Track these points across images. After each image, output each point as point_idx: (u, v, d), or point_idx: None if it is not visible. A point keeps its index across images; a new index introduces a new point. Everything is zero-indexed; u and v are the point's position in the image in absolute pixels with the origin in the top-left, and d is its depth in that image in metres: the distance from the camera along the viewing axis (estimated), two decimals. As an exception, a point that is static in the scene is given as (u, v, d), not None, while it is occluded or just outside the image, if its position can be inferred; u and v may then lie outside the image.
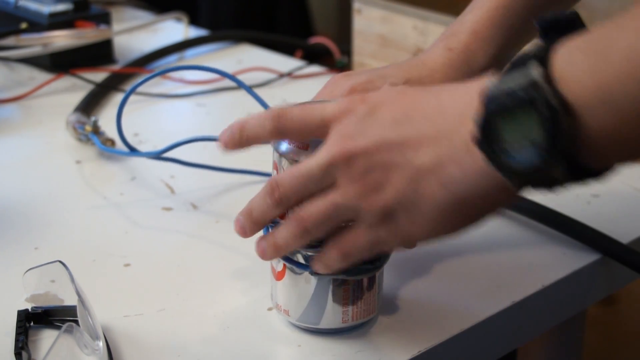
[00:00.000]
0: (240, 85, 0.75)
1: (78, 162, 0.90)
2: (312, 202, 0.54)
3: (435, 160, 0.50)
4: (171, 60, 1.21)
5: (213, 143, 0.80)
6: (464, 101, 0.50)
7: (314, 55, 1.26)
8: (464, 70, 0.66)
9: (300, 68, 1.16)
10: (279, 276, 0.61)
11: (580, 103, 0.44)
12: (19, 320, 0.61)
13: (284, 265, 0.60)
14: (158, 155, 0.81)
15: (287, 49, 1.28)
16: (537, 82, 0.45)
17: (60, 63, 1.12)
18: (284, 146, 0.57)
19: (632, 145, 0.45)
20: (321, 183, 0.54)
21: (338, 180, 0.53)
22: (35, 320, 0.62)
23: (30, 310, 0.62)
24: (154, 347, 0.61)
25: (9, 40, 1.10)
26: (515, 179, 0.47)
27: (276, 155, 0.58)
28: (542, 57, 0.46)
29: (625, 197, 0.83)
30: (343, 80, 0.65)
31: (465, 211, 0.51)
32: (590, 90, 0.44)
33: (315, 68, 1.18)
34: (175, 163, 0.84)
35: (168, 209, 0.80)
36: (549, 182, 0.47)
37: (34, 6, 1.15)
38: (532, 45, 0.48)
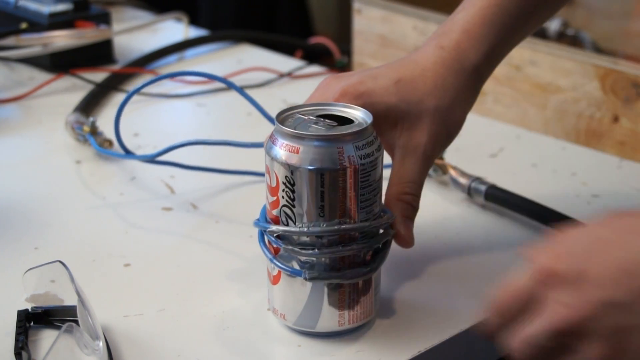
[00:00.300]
0: (235, 88, 0.75)
1: (78, 162, 0.90)
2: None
3: None
4: (171, 60, 1.21)
5: (218, 145, 0.81)
6: None
7: (314, 55, 1.26)
8: (456, 68, 0.65)
9: (300, 68, 1.16)
10: (274, 280, 0.61)
11: None
12: (19, 320, 0.61)
13: (279, 271, 0.60)
14: (152, 159, 0.81)
15: (287, 49, 1.28)
16: None
17: (60, 63, 1.12)
18: (275, 150, 0.57)
19: None
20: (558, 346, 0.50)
21: (574, 345, 0.49)
22: (35, 320, 0.62)
23: (30, 310, 0.62)
24: (154, 347, 0.61)
25: (9, 40, 1.10)
26: None
27: (268, 159, 0.58)
28: None
29: (625, 197, 0.83)
30: (334, 82, 0.65)
31: None
32: None
33: (315, 68, 1.18)
34: (172, 166, 0.84)
35: (168, 209, 0.80)
36: None
37: (34, 6, 1.15)
38: None
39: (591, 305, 0.48)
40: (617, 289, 0.47)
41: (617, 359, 0.48)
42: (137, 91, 0.76)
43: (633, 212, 0.50)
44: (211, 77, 0.79)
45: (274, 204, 0.59)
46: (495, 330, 0.52)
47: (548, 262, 0.49)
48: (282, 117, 0.59)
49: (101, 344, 0.56)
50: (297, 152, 0.56)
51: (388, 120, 0.63)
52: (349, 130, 0.57)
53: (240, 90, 0.77)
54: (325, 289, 0.59)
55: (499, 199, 0.78)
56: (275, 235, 0.59)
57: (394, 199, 0.63)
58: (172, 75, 0.79)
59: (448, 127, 0.65)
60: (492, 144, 0.95)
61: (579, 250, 0.49)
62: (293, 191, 0.57)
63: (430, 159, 0.64)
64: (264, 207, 0.61)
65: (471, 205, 0.81)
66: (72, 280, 0.59)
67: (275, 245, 0.60)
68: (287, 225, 0.58)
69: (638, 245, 0.48)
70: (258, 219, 0.61)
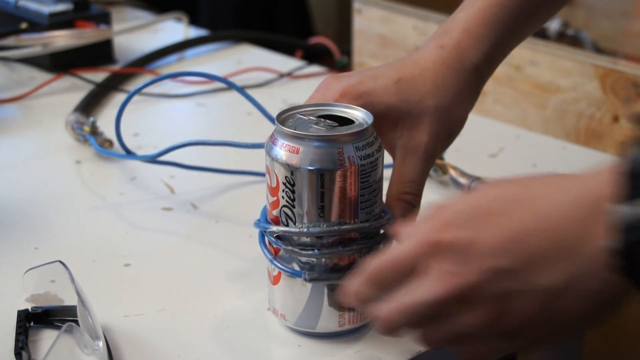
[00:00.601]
0: (236, 88, 0.75)
1: (78, 162, 0.90)
2: (436, 329, 0.51)
3: (568, 278, 0.47)
4: (171, 60, 1.21)
5: (218, 146, 0.81)
6: (579, 217, 0.47)
7: (314, 55, 1.27)
8: (456, 67, 0.65)
9: (300, 68, 1.17)
10: (275, 281, 0.61)
11: None
12: (19, 320, 0.61)
13: (279, 272, 0.60)
14: (153, 159, 0.81)
15: (287, 49, 1.29)
16: None
17: (60, 63, 1.12)
18: (275, 151, 0.57)
19: None
20: (437, 316, 0.51)
21: (455, 313, 0.50)
22: (35, 320, 0.62)
23: (30, 310, 0.62)
24: (154, 347, 0.61)
25: (9, 40, 1.10)
26: None
27: (268, 159, 0.58)
28: None
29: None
30: (334, 83, 0.65)
31: (603, 315, 0.49)
32: None
33: (315, 68, 1.18)
34: (173, 166, 0.84)
35: (168, 209, 0.80)
36: None
37: (34, 6, 1.15)
38: (634, 146, 0.46)
39: (479, 272, 0.48)
40: (504, 257, 0.48)
41: (498, 324, 0.49)
42: (138, 91, 0.76)
43: (512, 180, 0.51)
44: (212, 78, 0.79)
45: (274, 204, 0.59)
46: (362, 300, 0.52)
47: (433, 232, 0.50)
48: (283, 118, 0.59)
49: (101, 344, 0.56)
50: (297, 153, 0.56)
51: (388, 120, 0.63)
52: (349, 131, 0.57)
53: (241, 90, 0.77)
54: (325, 290, 0.59)
55: (499, 199, 0.78)
56: (275, 235, 0.59)
57: (395, 199, 0.63)
58: (173, 76, 0.79)
59: (449, 126, 0.65)
60: (492, 144, 0.95)
61: (464, 220, 0.50)
62: (293, 191, 0.57)
63: (431, 159, 0.64)
64: (265, 208, 0.61)
65: (471, 205, 0.81)
66: (72, 280, 0.59)
67: (275, 246, 0.60)
68: (287, 225, 0.58)
69: (521, 213, 0.49)
70: (258, 220, 0.61)
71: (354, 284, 0.52)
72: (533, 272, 0.48)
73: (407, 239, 0.51)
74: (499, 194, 0.50)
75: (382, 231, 0.61)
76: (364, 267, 0.52)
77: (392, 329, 0.52)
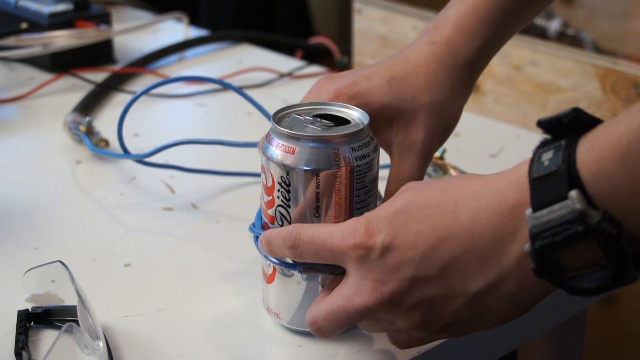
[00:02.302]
0: (234, 89, 0.75)
1: (78, 162, 0.90)
2: (370, 325, 0.55)
3: (489, 282, 0.49)
4: (171, 60, 1.21)
5: (211, 144, 0.81)
6: (494, 224, 0.48)
7: (314, 55, 1.26)
8: (448, 62, 0.65)
9: (300, 68, 1.17)
10: (269, 279, 0.61)
11: (630, 211, 0.43)
12: (19, 320, 0.61)
13: (274, 268, 0.60)
14: (144, 159, 0.81)
15: (287, 49, 1.29)
16: (584, 213, 0.44)
17: (61, 63, 1.12)
18: (271, 150, 0.57)
19: None
20: (363, 319, 0.54)
21: (384, 317, 0.53)
22: (35, 320, 0.62)
23: (30, 310, 0.62)
24: (154, 347, 0.61)
25: (9, 40, 1.10)
26: (587, 295, 0.46)
27: (264, 158, 0.58)
28: (571, 175, 0.45)
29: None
30: (328, 84, 0.65)
31: (526, 308, 0.51)
32: (637, 196, 0.43)
33: (315, 68, 1.18)
34: (170, 169, 0.84)
35: (168, 209, 0.80)
36: (620, 285, 0.46)
37: (34, 6, 1.15)
38: (547, 149, 0.46)
39: (401, 281, 0.51)
40: (422, 265, 0.50)
41: (427, 324, 0.52)
42: (139, 96, 0.76)
43: (435, 183, 0.53)
44: (218, 83, 0.79)
45: (270, 204, 0.59)
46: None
47: (360, 237, 0.52)
48: (278, 117, 0.59)
49: (101, 344, 0.56)
50: (293, 153, 0.56)
51: (384, 118, 0.63)
52: (345, 131, 0.57)
53: (239, 90, 0.77)
54: (320, 288, 0.59)
55: (499, 199, 0.78)
56: None
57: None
58: (180, 80, 0.78)
59: (444, 121, 0.65)
60: (492, 144, 0.95)
61: (387, 226, 0.52)
62: (288, 191, 0.57)
63: (428, 155, 0.64)
64: (259, 211, 0.61)
65: (471, 205, 0.80)
66: (73, 280, 0.59)
67: None
68: (282, 225, 0.58)
69: (439, 219, 0.50)
70: (253, 224, 0.61)
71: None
72: (451, 278, 0.50)
73: (337, 236, 0.53)
74: (419, 200, 0.52)
75: None
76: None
77: (325, 332, 0.55)
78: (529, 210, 0.46)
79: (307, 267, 0.58)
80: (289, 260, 0.59)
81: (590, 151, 0.45)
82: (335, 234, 0.54)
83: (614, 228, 0.44)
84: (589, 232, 0.44)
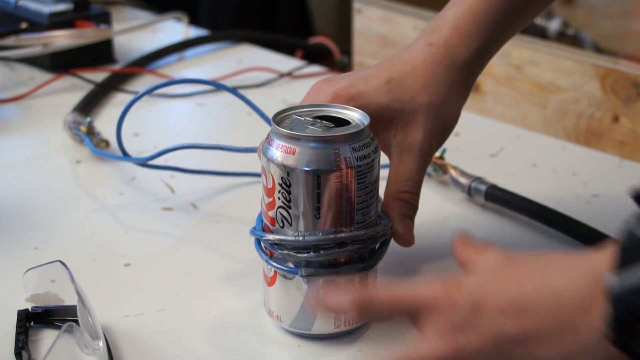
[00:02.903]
0: (231, 91, 0.75)
1: (78, 161, 0.90)
2: None
3: (565, 353, 0.47)
4: (171, 60, 1.21)
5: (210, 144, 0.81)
6: (581, 289, 0.47)
7: (314, 55, 1.26)
8: (446, 64, 0.65)
9: (300, 68, 1.17)
10: (270, 282, 0.61)
11: None
12: (19, 320, 0.61)
13: (275, 271, 0.60)
14: (145, 162, 0.81)
15: (287, 49, 1.28)
16: None
17: (60, 63, 1.12)
18: (272, 151, 0.57)
19: None
20: None
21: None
22: (35, 320, 0.62)
23: (30, 310, 0.62)
24: (154, 347, 0.61)
25: (9, 40, 1.10)
26: None
27: (264, 160, 0.58)
28: None
29: (625, 197, 0.82)
30: (325, 86, 0.64)
31: None
32: None
33: (315, 68, 1.18)
34: (171, 170, 0.84)
35: (168, 209, 0.80)
36: None
37: (34, 6, 1.15)
38: (636, 221, 0.46)
39: (481, 334, 0.48)
40: (506, 323, 0.48)
41: None
42: (138, 98, 0.76)
43: (533, 254, 0.51)
44: (219, 87, 0.79)
45: (270, 205, 0.58)
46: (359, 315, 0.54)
47: (446, 289, 0.50)
48: (279, 118, 0.59)
49: (101, 343, 0.56)
50: (294, 153, 0.56)
51: (382, 120, 0.63)
52: (346, 132, 0.57)
53: (240, 94, 0.77)
54: (321, 291, 0.59)
55: (499, 199, 0.78)
56: (270, 243, 0.59)
57: (393, 198, 0.63)
58: (181, 82, 0.78)
59: (443, 122, 0.65)
60: (492, 143, 0.95)
61: (477, 283, 0.50)
62: (289, 192, 0.57)
63: (427, 156, 0.64)
64: (260, 214, 0.61)
65: (471, 205, 0.81)
66: (72, 280, 0.59)
67: (271, 250, 0.60)
68: (283, 227, 0.58)
69: (532, 283, 0.48)
70: (254, 227, 0.61)
71: (342, 300, 0.52)
72: (534, 343, 0.48)
73: (421, 285, 0.51)
74: (517, 263, 0.50)
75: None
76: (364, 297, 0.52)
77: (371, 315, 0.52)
78: (612, 276, 0.44)
79: (308, 272, 0.58)
80: (290, 265, 0.59)
81: None
82: (418, 288, 0.51)
83: None
84: None
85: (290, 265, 0.59)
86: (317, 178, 0.56)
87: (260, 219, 0.61)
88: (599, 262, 0.46)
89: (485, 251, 0.53)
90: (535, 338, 0.48)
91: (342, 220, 0.57)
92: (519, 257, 0.51)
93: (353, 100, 0.62)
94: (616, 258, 0.45)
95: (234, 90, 0.77)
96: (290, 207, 0.57)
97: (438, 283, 0.51)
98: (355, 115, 0.60)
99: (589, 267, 0.47)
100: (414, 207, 0.63)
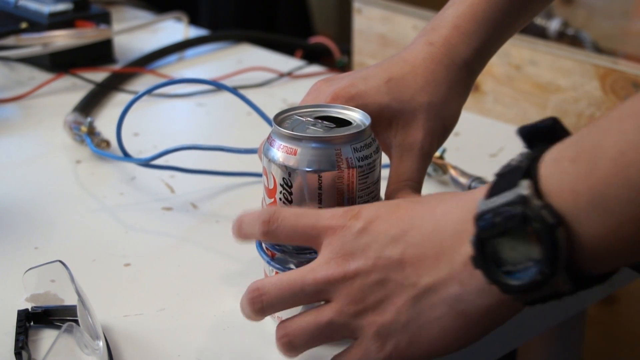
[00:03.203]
0: (231, 91, 0.75)
1: (78, 161, 0.90)
2: (302, 316, 0.53)
3: (437, 280, 0.49)
4: (171, 60, 1.21)
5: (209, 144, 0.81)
6: (457, 218, 0.49)
7: (314, 55, 1.26)
8: (446, 63, 0.65)
9: (300, 68, 1.17)
10: None
11: (573, 212, 0.43)
12: (19, 320, 0.61)
13: (276, 272, 0.60)
14: (147, 163, 0.81)
15: (287, 49, 1.28)
16: (527, 198, 0.44)
17: (60, 63, 1.12)
18: (273, 152, 0.57)
19: (631, 246, 0.43)
20: (313, 297, 0.53)
21: (334, 298, 0.52)
22: (35, 319, 0.62)
23: (30, 309, 0.62)
24: (154, 346, 0.61)
25: (9, 40, 1.10)
26: (519, 295, 0.46)
27: (265, 160, 0.58)
28: (530, 170, 0.45)
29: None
30: (325, 86, 0.65)
31: (468, 328, 0.50)
32: (582, 197, 0.43)
33: (315, 68, 1.18)
34: (171, 170, 0.84)
35: (168, 208, 0.80)
36: (555, 295, 0.46)
37: (34, 6, 1.15)
38: (518, 155, 0.47)
39: (366, 259, 0.51)
40: (389, 247, 0.51)
41: (373, 314, 0.51)
42: (138, 98, 0.76)
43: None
44: (219, 86, 0.79)
45: (272, 206, 0.58)
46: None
47: (344, 215, 0.53)
48: (280, 119, 0.59)
49: (101, 343, 0.56)
50: (295, 154, 0.56)
51: (382, 120, 0.63)
52: (347, 132, 0.57)
53: (241, 94, 0.77)
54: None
55: (499, 199, 0.78)
56: (271, 243, 0.59)
57: (393, 198, 0.63)
58: (182, 82, 0.78)
59: (443, 121, 0.65)
60: (492, 143, 0.95)
61: (373, 210, 0.53)
62: (290, 193, 0.57)
63: (428, 155, 0.64)
64: None
65: (471, 205, 0.80)
66: (72, 279, 0.59)
67: (272, 251, 0.60)
68: None
69: (419, 212, 0.52)
70: None
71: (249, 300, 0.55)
72: (407, 266, 0.50)
73: (325, 215, 0.53)
74: (413, 198, 0.55)
75: None
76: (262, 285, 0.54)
77: (266, 302, 0.54)
78: (481, 199, 0.47)
79: None
80: (291, 266, 0.59)
81: (552, 152, 0.46)
82: (323, 213, 0.54)
83: (552, 218, 0.44)
84: (527, 217, 0.44)
85: (292, 266, 0.59)
86: (318, 178, 0.56)
87: None
88: (479, 193, 0.48)
89: None
90: (412, 263, 0.50)
91: None
92: (421, 196, 0.54)
93: (353, 100, 0.62)
94: (490, 185, 0.47)
95: (234, 90, 0.77)
96: None
97: (339, 210, 0.53)
98: (356, 116, 0.60)
99: (469, 197, 0.49)
100: None
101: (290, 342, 0.54)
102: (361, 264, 0.51)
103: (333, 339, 0.54)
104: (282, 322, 0.54)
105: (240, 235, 0.57)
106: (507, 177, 0.46)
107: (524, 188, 0.45)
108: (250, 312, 0.55)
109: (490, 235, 0.46)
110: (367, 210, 0.53)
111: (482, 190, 0.48)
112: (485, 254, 0.46)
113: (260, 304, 0.54)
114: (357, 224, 0.52)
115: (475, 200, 0.48)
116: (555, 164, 0.45)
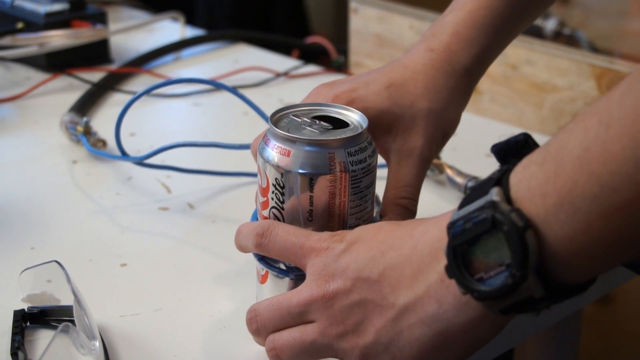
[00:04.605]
0: (231, 91, 0.75)
1: (74, 162, 0.90)
2: (289, 332, 0.55)
3: (414, 299, 0.49)
4: (168, 60, 1.21)
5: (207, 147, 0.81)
6: (435, 236, 0.49)
7: (310, 55, 1.26)
8: (446, 69, 0.65)
9: (296, 67, 1.16)
10: (262, 279, 0.61)
11: (542, 214, 0.44)
12: (15, 320, 0.61)
13: (266, 271, 0.60)
14: (142, 161, 0.81)
15: (283, 49, 1.28)
16: (496, 203, 0.45)
17: (57, 63, 1.12)
18: (267, 152, 0.57)
19: (604, 248, 0.43)
20: (299, 319, 0.54)
21: (317, 319, 0.53)
22: (31, 320, 0.62)
23: (26, 310, 0.62)
24: (151, 347, 0.61)
25: (5, 40, 1.10)
26: (493, 304, 0.46)
27: (260, 159, 0.58)
28: (499, 179, 0.46)
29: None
30: (326, 90, 0.65)
31: (448, 346, 0.50)
32: (550, 199, 0.43)
33: (311, 67, 1.18)
34: (167, 170, 0.84)
35: (164, 208, 0.80)
36: (531, 305, 0.45)
37: (30, 6, 1.15)
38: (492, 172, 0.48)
39: (345, 280, 0.52)
40: (368, 267, 0.51)
41: (357, 335, 0.52)
42: (136, 99, 0.76)
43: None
44: (218, 86, 0.79)
45: (264, 205, 0.58)
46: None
47: (330, 238, 0.54)
48: (276, 118, 0.59)
49: (97, 343, 0.56)
50: (288, 155, 0.56)
51: (382, 125, 0.63)
52: (342, 136, 0.56)
53: (234, 89, 0.77)
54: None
55: (496, 199, 0.78)
56: None
57: (391, 204, 0.63)
58: (180, 82, 0.78)
59: (443, 128, 0.65)
60: (489, 143, 0.94)
61: (357, 232, 0.54)
62: (283, 194, 0.57)
63: (426, 162, 0.64)
64: (254, 214, 0.61)
65: (468, 204, 0.81)
66: (69, 280, 0.59)
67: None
68: None
69: (400, 233, 0.52)
70: None
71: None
72: (386, 286, 0.51)
73: (313, 237, 0.55)
74: (397, 222, 0.54)
75: None
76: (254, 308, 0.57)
77: (260, 322, 0.56)
78: (455, 210, 0.47)
79: (298, 275, 0.58)
80: (282, 266, 0.59)
81: (522, 161, 0.46)
82: (312, 235, 0.55)
83: (521, 221, 0.44)
84: (496, 221, 0.44)
85: (282, 267, 0.59)
86: (310, 181, 0.56)
87: (255, 218, 0.61)
88: (454, 211, 0.48)
89: None
90: (390, 283, 0.50)
91: (334, 224, 0.57)
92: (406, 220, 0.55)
93: (353, 104, 0.62)
94: (463, 198, 0.48)
95: (233, 90, 0.77)
96: (283, 208, 0.57)
97: (327, 234, 0.55)
98: (353, 117, 0.59)
99: (447, 215, 0.49)
100: (413, 213, 0.64)
101: (277, 356, 0.55)
102: (340, 285, 0.52)
103: (319, 357, 0.54)
104: (272, 335, 0.55)
105: (237, 246, 0.60)
106: (479, 189, 0.47)
107: (493, 195, 0.45)
108: (251, 332, 0.57)
109: (462, 241, 0.46)
110: (351, 234, 0.54)
111: (453, 210, 0.49)
112: (458, 261, 0.46)
113: (255, 325, 0.56)
114: (340, 246, 0.53)
115: (448, 218, 0.48)
116: (523, 170, 0.45)
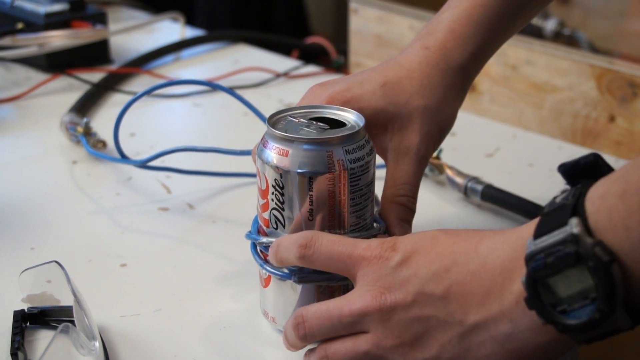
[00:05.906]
0: (228, 92, 0.75)
1: (74, 162, 0.90)
2: (341, 342, 0.53)
3: (486, 317, 0.49)
4: (168, 60, 1.21)
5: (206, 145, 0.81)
6: (506, 255, 0.49)
7: (310, 55, 1.26)
8: (442, 67, 0.65)
9: (296, 68, 1.17)
10: (265, 283, 0.61)
11: (625, 248, 0.43)
12: (15, 321, 0.61)
13: (269, 275, 0.60)
14: (144, 164, 0.80)
15: (283, 49, 1.28)
16: (578, 237, 0.44)
17: (57, 63, 1.12)
18: (266, 153, 0.57)
19: None
20: (350, 328, 0.53)
21: (372, 330, 0.52)
22: (31, 320, 0.62)
23: (26, 310, 0.62)
24: (151, 347, 0.61)
25: (5, 41, 1.10)
26: (575, 334, 0.46)
27: (259, 161, 0.58)
28: (576, 208, 0.45)
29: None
30: (321, 90, 0.64)
31: None
32: (634, 233, 0.43)
33: (311, 68, 1.18)
34: (167, 171, 0.84)
35: (164, 209, 0.80)
36: (612, 332, 0.45)
37: (30, 6, 1.15)
38: (563, 193, 0.47)
39: (406, 294, 0.51)
40: (431, 282, 0.50)
41: (415, 349, 0.51)
42: (135, 100, 0.76)
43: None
44: (217, 88, 0.79)
45: (264, 207, 0.58)
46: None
47: (381, 247, 0.53)
48: (274, 120, 0.59)
49: (97, 344, 0.56)
50: (287, 155, 0.56)
51: (378, 123, 0.63)
52: (339, 134, 0.57)
53: (236, 94, 0.77)
54: (315, 292, 0.59)
55: (495, 199, 0.78)
56: (265, 246, 0.59)
57: (390, 202, 0.63)
58: (180, 83, 0.78)
59: (439, 125, 0.65)
60: (489, 143, 0.95)
61: (411, 242, 0.53)
62: (282, 194, 0.57)
63: (424, 159, 0.64)
64: (255, 218, 0.61)
65: (467, 204, 0.81)
66: (69, 280, 0.59)
67: (266, 253, 0.60)
68: (277, 228, 0.58)
69: (462, 247, 0.51)
70: (250, 232, 0.61)
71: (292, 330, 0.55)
72: (452, 302, 0.50)
73: (361, 245, 0.53)
74: (451, 231, 0.53)
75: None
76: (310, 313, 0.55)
77: (308, 329, 0.54)
78: (530, 239, 0.47)
79: (301, 277, 0.58)
80: (284, 270, 0.59)
81: (597, 188, 0.46)
82: (359, 243, 0.54)
83: (606, 255, 0.44)
84: (580, 256, 0.44)
85: (285, 270, 0.59)
86: (309, 180, 0.56)
87: (255, 222, 0.61)
88: (526, 231, 0.48)
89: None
90: (457, 299, 0.49)
91: (335, 223, 0.57)
92: (459, 229, 0.53)
93: (349, 104, 0.62)
94: (538, 224, 0.47)
95: (231, 91, 0.77)
96: (283, 209, 0.57)
97: (375, 241, 0.53)
98: (350, 117, 0.59)
99: (516, 235, 0.49)
100: (412, 211, 0.63)
101: None
102: (400, 298, 0.51)
103: None
104: (323, 344, 0.54)
105: (277, 259, 0.57)
106: (554, 216, 0.46)
107: (574, 226, 0.44)
108: (295, 338, 0.55)
109: (544, 275, 0.45)
110: (404, 243, 0.52)
111: (529, 228, 0.48)
112: (539, 294, 0.46)
113: (303, 331, 0.54)
114: (396, 256, 0.52)
115: (522, 238, 0.48)
116: (602, 201, 0.45)
